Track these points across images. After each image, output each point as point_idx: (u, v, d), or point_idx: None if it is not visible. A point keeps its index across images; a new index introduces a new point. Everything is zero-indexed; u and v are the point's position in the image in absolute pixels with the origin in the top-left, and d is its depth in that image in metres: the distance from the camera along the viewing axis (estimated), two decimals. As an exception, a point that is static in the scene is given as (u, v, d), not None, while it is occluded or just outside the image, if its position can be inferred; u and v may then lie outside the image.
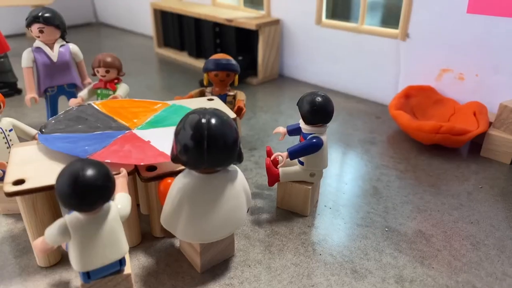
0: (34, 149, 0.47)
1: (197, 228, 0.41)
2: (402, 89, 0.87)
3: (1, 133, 0.53)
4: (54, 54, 0.70)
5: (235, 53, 1.12)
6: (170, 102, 0.62)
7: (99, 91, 0.69)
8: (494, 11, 0.72)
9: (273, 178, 0.54)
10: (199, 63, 1.23)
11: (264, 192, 0.62)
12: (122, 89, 0.68)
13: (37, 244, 0.38)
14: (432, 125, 0.70)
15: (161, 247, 0.50)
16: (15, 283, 0.44)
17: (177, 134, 0.39)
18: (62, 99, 0.76)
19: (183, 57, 1.29)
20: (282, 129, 0.58)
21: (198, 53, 1.25)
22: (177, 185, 0.40)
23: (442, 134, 0.70)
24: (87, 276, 0.37)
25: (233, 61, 0.71)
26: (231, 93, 0.72)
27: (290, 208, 0.57)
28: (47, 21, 0.67)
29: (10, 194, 0.40)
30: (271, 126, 0.83)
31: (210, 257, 0.46)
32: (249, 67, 1.09)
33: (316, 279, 0.46)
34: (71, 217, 0.35)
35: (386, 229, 0.54)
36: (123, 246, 0.38)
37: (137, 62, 1.28)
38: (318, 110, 0.50)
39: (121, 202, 0.38)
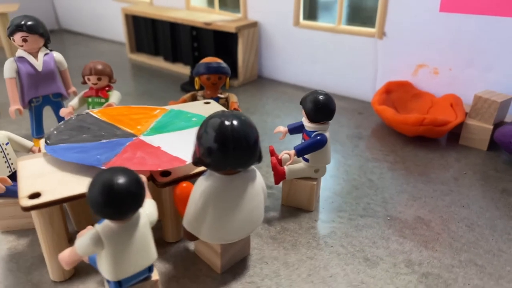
0: (42, 161, 0.46)
1: (221, 229, 0.41)
2: (382, 85, 0.91)
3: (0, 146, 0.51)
4: (38, 63, 0.68)
5: (213, 56, 1.12)
6: (168, 107, 0.62)
7: (90, 99, 0.67)
8: (464, 9, 0.78)
9: (279, 176, 0.55)
10: (176, 68, 1.22)
11: (267, 190, 0.63)
12: (115, 96, 0.67)
13: (64, 256, 0.37)
14: (416, 118, 0.74)
15: (176, 252, 0.50)
16: (31, 301, 0.43)
17: (199, 137, 0.39)
18: (46, 110, 0.73)
19: (158, 62, 1.27)
20: (282, 128, 0.60)
21: (174, 58, 1.24)
22: (200, 188, 0.41)
23: (426, 126, 0.74)
24: (118, 285, 0.37)
25: (224, 64, 0.72)
26: (223, 96, 0.73)
27: (295, 204, 0.58)
28: (30, 30, 0.65)
29: (28, 209, 0.39)
30: (262, 126, 0.84)
31: (229, 257, 0.47)
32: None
33: (332, 270, 0.48)
34: (103, 226, 0.35)
35: (388, 218, 0.57)
36: (153, 252, 0.38)
37: (111, 69, 1.25)
38: (322, 108, 0.52)
39: (148, 208, 0.38)
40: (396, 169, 0.70)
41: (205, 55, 1.16)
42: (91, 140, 0.49)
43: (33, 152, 0.55)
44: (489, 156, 0.74)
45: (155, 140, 0.51)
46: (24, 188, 0.41)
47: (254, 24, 1.08)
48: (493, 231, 0.54)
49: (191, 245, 0.51)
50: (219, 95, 0.73)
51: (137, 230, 0.36)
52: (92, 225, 0.54)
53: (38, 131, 0.73)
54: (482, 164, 0.72)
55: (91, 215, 0.54)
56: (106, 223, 0.35)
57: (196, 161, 0.40)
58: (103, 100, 0.67)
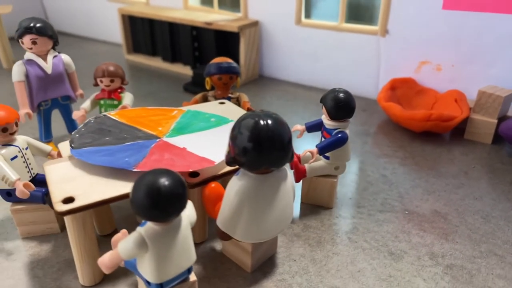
0: (69, 165, 0.45)
1: (255, 228, 0.42)
2: (385, 82, 0.93)
3: (20, 151, 0.50)
4: (48, 65, 0.67)
5: (214, 56, 1.13)
6: (185, 108, 0.62)
7: (102, 102, 0.67)
8: (467, 6, 0.79)
9: (300, 174, 0.56)
10: (175, 68, 1.21)
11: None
12: (128, 98, 0.67)
13: (105, 261, 0.37)
14: (423, 114, 0.76)
15: (203, 253, 0.50)
16: (64, 306, 0.43)
17: (234, 138, 0.39)
18: (53, 114, 0.72)
19: (156, 63, 1.26)
20: (300, 127, 0.60)
21: (173, 58, 1.23)
22: (234, 188, 0.41)
23: (433, 121, 0.76)
24: (160, 287, 0.37)
25: (235, 64, 0.72)
26: (234, 96, 0.73)
27: (315, 202, 0.59)
28: (40, 32, 0.64)
29: (63, 213, 0.38)
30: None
31: (259, 256, 0.48)
32: (231, 69, 1.09)
33: (360, 265, 0.49)
34: (147, 228, 0.35)
35: (406, 212, 0.58)
36: (193, 253, 0.38)
37: (109, 70, 1.23)
38: (343, 106, 0.52)
39: (188, 209, 0.38)
40: (407, 165, 0.71)
41: (205, 55, 1.17)
42: (114, 143, 0.49)
43: (52, 156, 0.55)
44: (494, 150, 0.76)
45: (179, 141, 0.50)
46: (57, 192, 0.40)
47: (255, 23, 1.08)
48: (508, 222, 0.56)
49: (218, 245, 0.51)
50: (230, 95, 0.73)
51: (180, 231, 0.36)
52: (116, 229, 0.54)
53: (46, 135, 0.72)
54: (488, 157, 0.74)
55: (114, 219, 0.54)
56: (149, 226, 0.35)
57: (231, 161, 0.40)
58: (115, 102, 0.66)
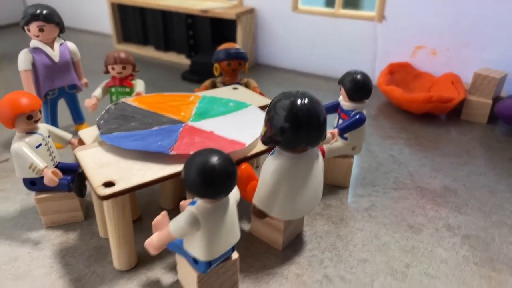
0: (100, 151, 0.45)
1: (292, 205, 0.43)
2: (382, 67, 0.96)
3: (43, 139, 0.49)
4: (55, 53, 0.65)
5: (210, 44, 1.12)
6: (200, 94, 0.62)
7: (113, 89, 0.66)
8: (462, -8, 0.83)
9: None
10: (169, 57, 1.20)
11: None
12: (141, 85, 0.66)
13: (153, 242, 0.37)
14: (424, 96, 0.79)
15: (232, 234, 0.51)
16: (104, 290, 0.43)
17: (271, 118, 0.40)
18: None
19: (148, 52, 1.25)
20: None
21: (167, 47, 1.22)
22: (271, 168, 0.42)
23: (433, 103, 0.79)
24: (208, 265, 0.38)
25: (242, 50, 0.72)
26: (242, 82, 0.74)
27: (332, 182, 0.61)
28: (47, 19, 0.62)
29: (106, 197, 0.38)
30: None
31: (288, 234, 0.49)
32: (228, 57, 1.09)
33: (383, 239, 0.51)
34: (199, 206, 0.35)
35: (419, 189, 0.61)
36: (238, 230, 0.39)
37: (100, 61, 1.20)
38: (362, 87, 0.54)
39: (232, 187, 0.39)
40: (412, 145, 0.74)
41: (201, 43, 1.16)
42: (140, 128, 0.49)
43: (72, 143, 0.54)
44: (489, 129, 0.80)
45: (204, 125, 0.51)
46: (96, 177, 0.40)
47: (251, 11, 1.08)
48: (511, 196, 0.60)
49: (245, 226, 0.53)
50: (239, 81, 0.73)
51: (228, 209, 0.37)
52: (141, 215, 0.54)
53: (53, 124, 0.71)
54: (485, 136, 0.78)
55: (138, 203, 0.54)
56: (200, 204, 0.35)
57: (267, 141, 0.41)
58: (127, 90, 0.66)
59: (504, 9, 0.81)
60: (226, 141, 0.47)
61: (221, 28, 1.12)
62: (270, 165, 0.42)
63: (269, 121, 0.41)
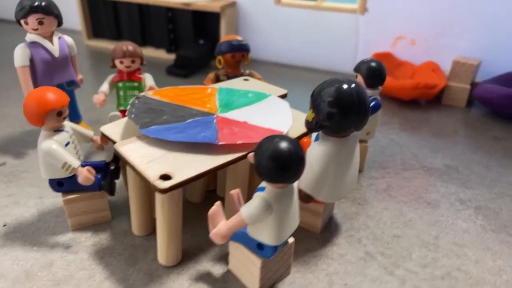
0: (140, 145, 0.44)
1: (338, 188, 0.45)
2: (362, 58, 1.00)
3: (70, 137, 0.46)
4: (55, 48, 0.61)
5: (192, 37, 1.11)
6: (215, 86, 0.61)
7: (121, 84, 0.63)
8: (440, -15, 0.89)
9: (337, 141, 0.59)
10: (146, 52, 1.16)
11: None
12: (150, 78, 0.64)
13: (221, 231, 0.37)
14: (412, 83, 0.84)
15: (267, 222, 0.52)
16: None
17: (318, 105, 0.41)
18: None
19: (123, 47, 1.20)
20: (327, 98, 0.64)
21: (143, 41, 1.18)
22: (316, 153, 0.43)
23: (421, 89, 0.85)
24: (274, 250, 0.38)
25: (245, 41, 0.73)
26: (245, 73, 0.74)
27: (347, 166, 0.64)
28: (47, 11, 0.58)
29: (166, 190, 0.38)
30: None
31: (324, 217, 0.51)
32: (212, 50, 1.09)
33: (408, 216, 0.54)
34: (270, 192, 0.36)
35: (425, 168, 0.65)
36: (298, 215, 0.40)
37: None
38: (378, 74, 0.57)
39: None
40: (406, 129, 0.79)
41: (181, 37, 1.14)
42: (174, 121, 0.48)
43: (94, 141, 0.52)
44: (469, 111, 0.88)
45: (234, 116, 0.51)
46: (151, 171, 0.39)
47: (233, 4, 1.08)
48: (505, 169, 0.66)
49: (278, 213, 0.54)
50: (242, 73, 0.74)
51: (294, 193, 0.38)
52: (152, 205, 0.53)
53: (51, 124, 0.67)
54: (468, 118, 0.85)
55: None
56: (270, 190, 0.36)
57: (314, 127, 0.43)
58: (136, 84, 0.64)
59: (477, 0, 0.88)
60: (264, 130, 0.48)
61: (203, 21, 1.10)
62: (316, 151, 0.44)
63: (316, 107, 0.42)
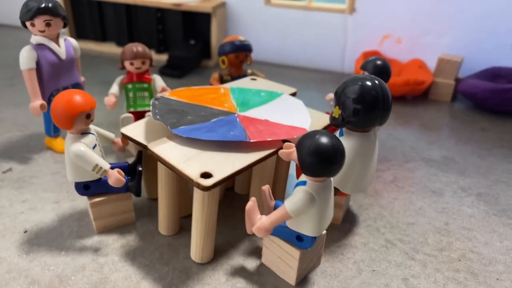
0: (173, 145, 0.44)
1: (363, 180, 0.47)
2: (352, 57, 1.04)
3: (96, 139, 0.46)
4: (62, 50, 0.60)
5: (181, 38, 1.11)
6: (227, 86, 0.62)
7: (130, 86, 0.63)
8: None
9: (346, 136, 0.62)
10: (134, 53, 1.15)
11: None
12: (160, 80, 0.64)
13: (264, 225, 0.39)
14: (403, 80, 0.89)
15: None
16: (202, 284, 0.43)
17: (344, 101, 0.44)
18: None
19: (108, 48, 1.18)
20: (333, 95, 0.66)
21: (131, 42, 1.16)
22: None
23: (411, 85, 0.89)
24: (314, 240, 0.40)
25: (247, 41, 0.74)
26: (248, 73, 0.75)
27: (354, 160, 0.66)
28: (54, 12, 0.57)
29: (209, 188, 0.38)
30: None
31: (344, 208, 0.53)
32: (203, 50, 1.09)
33: (417, 204, 0.58)
34: (312, 185, 0.38)
35: (424, 159, 0.69)
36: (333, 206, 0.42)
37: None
38: (385, 71, 0.60)
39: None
40: (401, 123, 0.83)
41: (170, 38, 1.14)
42: (200, 121, 0.49)
43: (116, 143, 0.51)
44: (454, 105, 0.93)
45: (254, 114, 0.52)
46: (191, 170, 0.40)
47: (223, 4, 1.09)
48: (496, 158, 0.71)
49: (298, 208, 0.55)
50: (245, 73, 0.75)
51: (332, 186, 0.40)
52: (181, 204, 0.53)
53: (56, 128, 0.66)
54: (454, 112, 0.90)
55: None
56: (312, 183, 0.38)
57: (340, 123, 0.45)
58: (145, 85, 0.63)
59: None
60: (287, 127, 0.49)
61: (193, 22, 1.10)
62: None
63: (342, 104, 0.44)
